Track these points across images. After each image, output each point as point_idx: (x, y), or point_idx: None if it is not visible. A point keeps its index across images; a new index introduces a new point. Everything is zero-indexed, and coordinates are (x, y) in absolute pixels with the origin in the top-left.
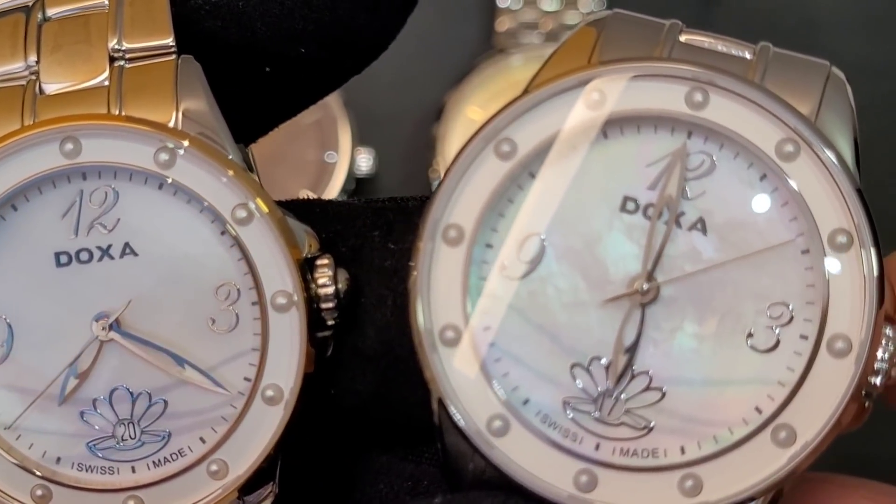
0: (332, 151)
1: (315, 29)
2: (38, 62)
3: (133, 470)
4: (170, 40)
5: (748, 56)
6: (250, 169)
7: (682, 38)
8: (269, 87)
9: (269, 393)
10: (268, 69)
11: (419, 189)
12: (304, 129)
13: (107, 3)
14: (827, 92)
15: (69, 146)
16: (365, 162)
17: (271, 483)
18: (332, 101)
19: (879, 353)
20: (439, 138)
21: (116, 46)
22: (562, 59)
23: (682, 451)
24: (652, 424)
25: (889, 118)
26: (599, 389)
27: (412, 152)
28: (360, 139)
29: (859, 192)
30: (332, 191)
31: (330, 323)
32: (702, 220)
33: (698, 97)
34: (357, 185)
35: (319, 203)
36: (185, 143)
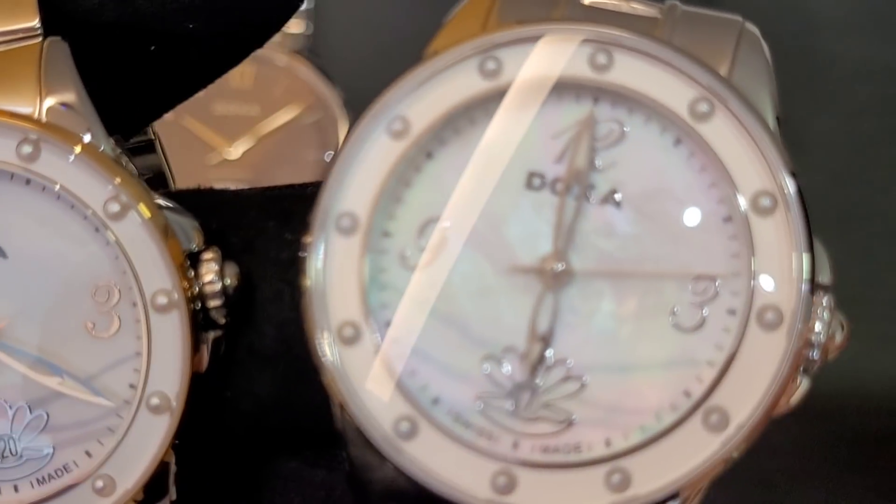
0: (332, 151)
1: (204, 1)
2: None
3: (16, 489)
4: (35, 22)
5: (656, 15)
6: (128, 161)
7: (586, 1)
8: (156, 68)
9: (155, 401)
10: (153, 48)
11: None
12: (304, 129)
13: None
14: (741, 48)
15: None
16: None
17: (166, 496)
18: (332, 101)
19: (814, 325)
20: None
21: None
22: (456, 27)
23: (608, 443)
24: (573, 417)
25: (890, 119)
26: (514, 382)
27: None
28: None
29: (781, 149)
30: None
31: (221, 322)
32: (614, 193)
33: (602, 59)
34: None
35: (210, 192)
36: (40, 132)
